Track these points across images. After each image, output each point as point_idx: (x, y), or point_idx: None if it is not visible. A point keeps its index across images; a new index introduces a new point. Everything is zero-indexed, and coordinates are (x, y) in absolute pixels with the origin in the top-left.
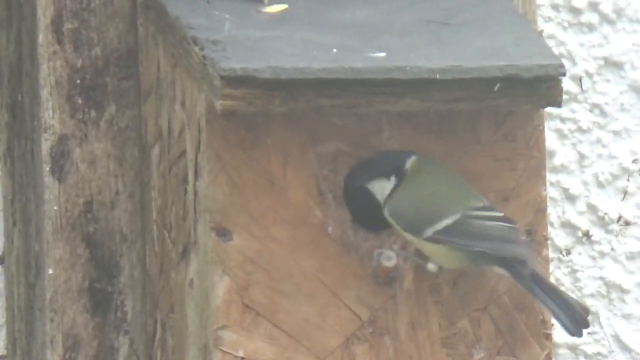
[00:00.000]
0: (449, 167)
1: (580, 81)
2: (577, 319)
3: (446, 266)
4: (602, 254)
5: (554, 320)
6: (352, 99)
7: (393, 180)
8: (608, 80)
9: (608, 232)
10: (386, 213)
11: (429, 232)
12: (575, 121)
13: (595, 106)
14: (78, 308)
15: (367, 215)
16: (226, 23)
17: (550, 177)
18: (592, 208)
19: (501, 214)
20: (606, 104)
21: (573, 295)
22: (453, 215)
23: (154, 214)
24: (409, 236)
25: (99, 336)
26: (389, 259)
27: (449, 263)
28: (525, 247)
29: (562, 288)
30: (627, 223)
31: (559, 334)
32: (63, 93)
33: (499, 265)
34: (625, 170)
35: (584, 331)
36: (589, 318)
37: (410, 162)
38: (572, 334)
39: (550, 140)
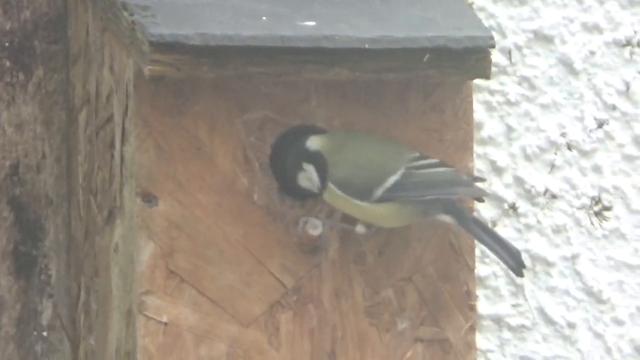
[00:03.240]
0: (368, 130)
1: (510, 54)
2: (517, 260)
3: (395, 225)
4: (528, 227)
5: (478, 292)
6: (280, 67)
7: (310, 166)
8: (537, 54)
9: (534, 205)
10: (332, 187)
11: (379, 192)
12: (503, 94)
13: (524, 79)
14: (2, 271)
15: (294, 184)
16: None
17: (477, 149)
18: (518, 181)
19: (437, 160)
20: (535, 77)
21: (497, 267)
22: (397, 171)
23: (80, 178)
24: (358, 202)
25: (22, 299)
26: (315, 228)
27: (399, 221)
28: (472, 185)
29: (486, 260)
30: (554, 196)
31: (483, 305)
32: None
33: (445, 212)
34: (552, 143)
35: (509, 303)
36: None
37: (312, 142)
38: (517, 274)
39: (479, 112)
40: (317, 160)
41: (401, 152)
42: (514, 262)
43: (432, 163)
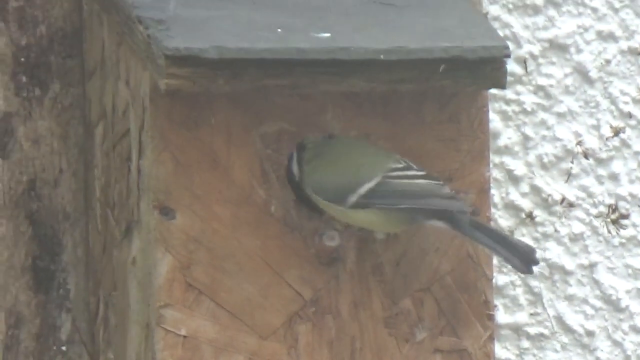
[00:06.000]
0: (364, 140)
1: (525, 63)
2: (525, 257)
3: (387, 231)
4: (546, 236)
5: (496, 301)
6: (296, 79)
7: (293, 154)
8: (553, 63)
9: (551, 213)
10: (309, 190)
11: (353, 198)
12: (519, 103)
13: (539, 88)
14: (21, 285)
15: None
16: (171, 2)
17: (494, 158)
18: (535, 190)
19: (423, 172)
20: (551, 86)
21: (515, 277)
22: (374, 179)
23: (97, 192)
24: (334, 207)
25: (41, 314)
26: (332, 239)
27: (385, 227)
28: (451, 199)
29: (504, 269)
30: (571, 205)
31: (501, 315)
32: (7, 71)
33: (436, 219)
34: (569, 152)
35: (527, 312)
36: (537, 256)
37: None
38: (523, 272)
39: (495, 121)
40: (298, 148)
41: (382, 161)
42: (520, 260)
43: (414, 175)
